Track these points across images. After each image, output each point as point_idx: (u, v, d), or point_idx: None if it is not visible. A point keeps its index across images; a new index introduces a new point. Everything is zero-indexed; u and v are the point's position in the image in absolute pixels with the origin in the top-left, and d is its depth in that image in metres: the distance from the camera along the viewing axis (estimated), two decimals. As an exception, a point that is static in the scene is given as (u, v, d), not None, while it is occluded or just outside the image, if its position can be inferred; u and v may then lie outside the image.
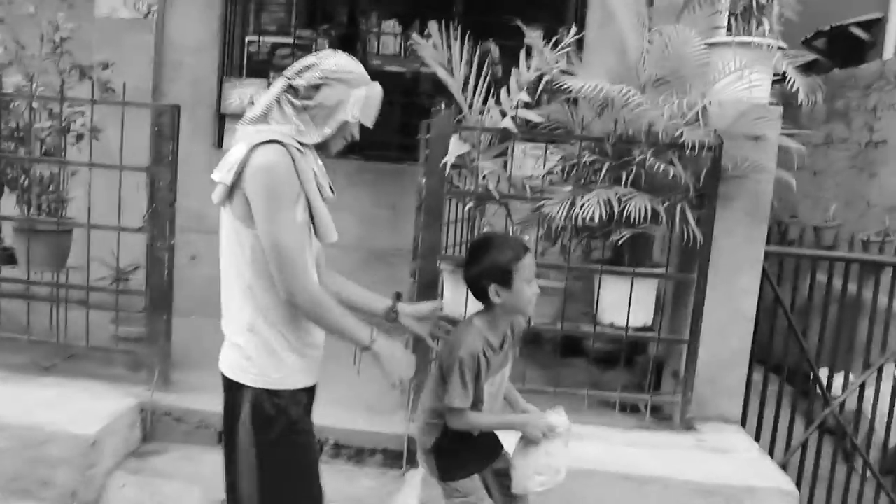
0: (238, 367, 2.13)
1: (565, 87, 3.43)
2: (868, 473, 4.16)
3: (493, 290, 2.33)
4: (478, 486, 2.48)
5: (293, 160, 2.02)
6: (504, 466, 2.54)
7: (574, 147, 3.65)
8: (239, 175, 2.02)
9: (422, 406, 2.54)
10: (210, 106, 5.27)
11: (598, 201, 3.38)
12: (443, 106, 3.59)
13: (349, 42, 5.67)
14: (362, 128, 2.23)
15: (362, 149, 5.49)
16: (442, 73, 3.68)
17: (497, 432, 2.59)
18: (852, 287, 4.03)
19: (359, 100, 2.13)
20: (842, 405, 4.09)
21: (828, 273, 3.92)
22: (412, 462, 3.54)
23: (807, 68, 8.00)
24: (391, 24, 5.37)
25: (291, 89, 2.09)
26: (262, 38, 5.36)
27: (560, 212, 3.48)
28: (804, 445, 4.05)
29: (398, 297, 2.53)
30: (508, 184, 3.72)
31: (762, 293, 3.83)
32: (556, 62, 3.59)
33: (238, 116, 5.54)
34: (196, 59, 5.20)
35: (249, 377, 2.11)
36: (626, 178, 3.48)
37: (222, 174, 2.08)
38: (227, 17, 5.25)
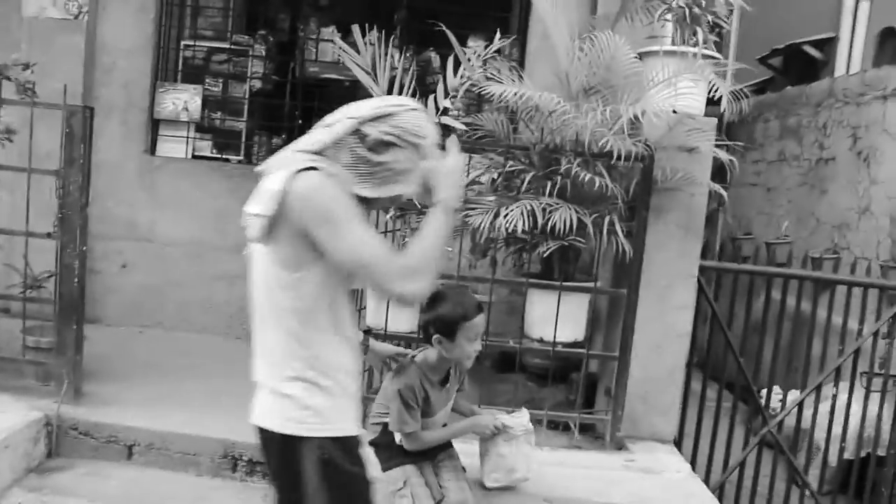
0: (293, 419, 1.87)
1: (488, 94, 3.32)
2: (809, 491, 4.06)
3: (436, 339, 2.57)
4: (409, 475, 2.68)
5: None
6: (450, 460, 2.82)
7: (502, 157, 3.54)
8: (281, 205, 1.77)
9: (373, 408, 2.78)
10: (143, 110, 5.11)
11: (522, 212, 3.27)
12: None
13: (287, 49, 5.54)
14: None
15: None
16: (364, 79, 3.56)
17: None
18: (805, 305, 3.95)
19: (423, 174, 1.89)
20: (780, 423, 4.00)
21: (782, 290, 3.83)
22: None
23: (763, 87, 8.06)
24: (330, 31, 5.26)
25: (359, 135, 1.83)
26: (197, 43, 5.21)
27: (484, 222, 3.36)
28: (743, 463, 3.94)
29: (368, 331, 2.76)
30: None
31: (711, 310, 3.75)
32: (483, 69, 3.48)
33: (171, 122, 5.57)
34: (129, 63, 5.04)
35: (310, 428, 1.86)
36: (552, 189, 3.37)
37: (261, 206, 1.80)
38: (161, 20, 5.10)
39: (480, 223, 3.36)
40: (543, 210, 3.30)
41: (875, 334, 3.89)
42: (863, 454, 4.25)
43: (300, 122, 5.30)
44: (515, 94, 3.22)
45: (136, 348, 4.82)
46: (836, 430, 4.01)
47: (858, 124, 5.67)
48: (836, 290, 3.91)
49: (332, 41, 5.07)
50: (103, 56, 5.02)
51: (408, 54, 5.01)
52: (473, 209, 3.41)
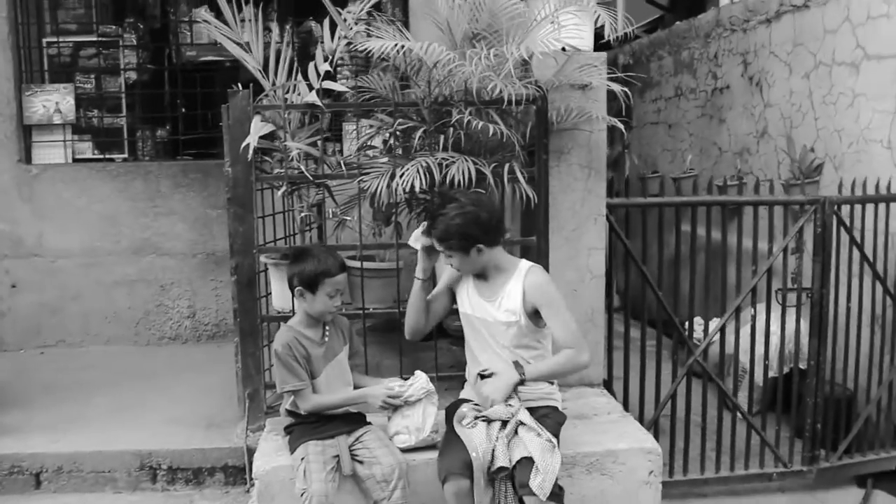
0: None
1: (371, 54, 3.15)
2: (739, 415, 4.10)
3: (298, 291, 2.77)
4: (308, 451, 2.74)
5: None
6: (371, 432, 2.88)
7: (392, 117, 3.39)
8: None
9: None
10: (10, 118, 4.75)
11: (418, 169, 3.13)
12: (239, 87, 3.25)
13: (159, 34, 5.22)
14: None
15: (186, 147, 5.11)
16: (237, 52, 3.36)
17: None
18: (716, 234, 3.95)
19: None
20: (706, 352, 4.01)
21: (691, 221, 3.81)
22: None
23: (653, 27, 8.12)
24: (202, 12, 4.95)
25: None
26: (62, 39, 4.85)
27: (380, 186, 3.21)
28: (675, 396, 3.94)
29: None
30: (325, 165, 3.42)
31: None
32: (366, 29, 3.31)
33: (45, 126, 5.18)
34: (-14, 68, 4.66)
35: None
36: (446, 143, 3.25)
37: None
38: (17, 17, 4.72)
39: (377, 187, 3.21)
40: (440, 165, 3.17)
41: (784, 250, 3.93)
42: (786, 370, 4.33)
43: (183, 110, 5.02)
44: (395, 46, 3.07)
45: (36, 371, 4.52)
46: (759, 350, 4.06)
47: (747, 50, 5.74)
48: (744, 214, 3.93)
49: (205, 21, 4.80)
50: (-45, 63, 4.63)
51: (287, 26, 4.78)
52: (367, 173, 3.26)
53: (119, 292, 4.87)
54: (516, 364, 2.79)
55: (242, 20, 3.55)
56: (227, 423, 3.58)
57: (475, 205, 2.78)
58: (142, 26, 5.06)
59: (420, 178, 3.09)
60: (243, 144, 3.15)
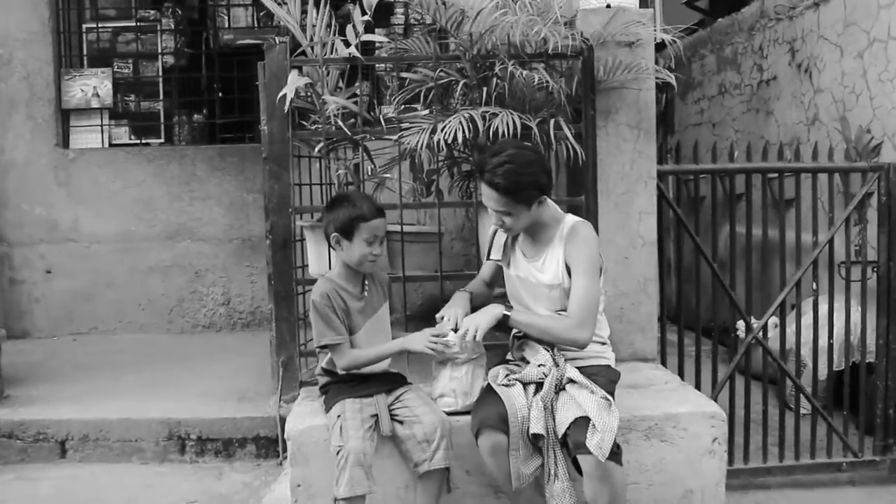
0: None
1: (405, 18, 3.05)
2: (803, 409, 3.83)
3: (334, 237, 2.59)
4: (345, 409, 2.56)
5: None
6: (413, 391, 2.71)
7: (432, 71, 3.27)
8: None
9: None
10: (49, 101, 4.75)
11: (460, 121, 2.99)
12: (276, 39, 3.17)
13: (197, 19, 5.21)
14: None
15: (223, 132, 5.06)
16: (274, 7, 3.27)
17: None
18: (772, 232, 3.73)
19: None
20: (764, 349, 3.75)
21: (746, 195, 3.59)
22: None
23: (693, 31, 7.98)
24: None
25: None
26: (101, 24, 4.86)
27: (421, 142, 3.07)
28: (733, 395, 3.68)
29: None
30: (362, 122, 3.29)
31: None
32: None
33: (83, 111, 5.19)
34: (27, 52, 4.68)
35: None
36: (488, 97, 3.11)
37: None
38: (58, 3, 4.75)
39: (417, 142, 3.07)
40: (483, 118, 3.03)
41: (846, 221, 3.70)
42: (852, 361, 4.05)
43: (220, 94, 4.98)
44: (434, -7, 2.95)
45: (68, 354, 4.43)
46: (822, 342, 3.80)
47: (794, 37, 5.56)
48: (801, 206, 3.69)
49: (253, 4, 4.77)
50: (-2, 49, 4.65)
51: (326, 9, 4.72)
52: (408, 129, 3.13)
53: (153, 279, 4.78)
54: (506, 304, 2.61)
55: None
56: (260, 397, 3.43)
57: (531, 150, 2.58)
58: (180, 11, 5.06)
59: (464, 130, 2.95)
60: (279, 94, 3.04)
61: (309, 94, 3.25)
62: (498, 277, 2.86)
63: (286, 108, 3.08)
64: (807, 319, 3.82)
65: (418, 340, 2.59)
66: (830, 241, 3.69)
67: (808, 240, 3.70)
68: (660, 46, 3.56)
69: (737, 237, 3.72)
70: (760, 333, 3.73)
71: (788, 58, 5.64)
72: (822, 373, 4.01)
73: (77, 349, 4.54)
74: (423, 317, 3.52)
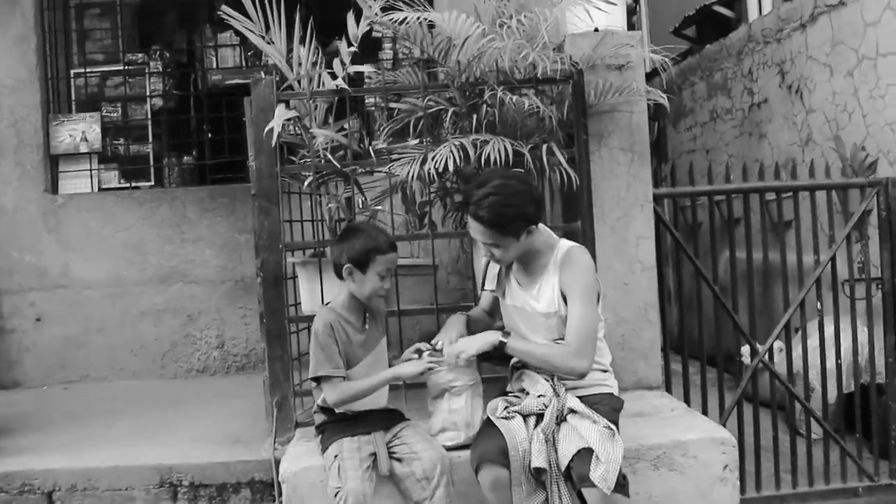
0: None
1: (391, 21, 3.01)
2: (814, 435, 3.71)
3: (347, 269, 2.51)
4: (342, 449, 2.48)
5: None
6: (411, 428, 2.62)
7: (420, 103, 3.23)
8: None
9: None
10: (37, 147, 4.72)
11: (451, 150, 2.94)
12: (262, 74, 3.14)
13: (185, 61, 5.21)
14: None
15: (213, 173, 5.01)
16: (260, 43, 3.25)
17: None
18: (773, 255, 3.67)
19: None
20: (772, 374, 3.65)
21: (744, 215, 3.53)
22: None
23: (681, 59, 8.03)
24: (228, 36, 4.95)
25: None
26: (89, 69, 4.85)
27: (412, 172, 3.02)
28: (742, 422, 3.57)
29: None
30: (351, 154, 3.24)
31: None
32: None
33: (72, 156, 5.13)
34: (15, 99, 4.67)
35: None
36: (479, 123, 3.07)
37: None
38: (45, 49, 4.74)
39: (408, 173, 3.02)
40: (474, 145, 2.98)
41: (847, 238, 3.64)
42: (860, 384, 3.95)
43: (209, 135, 4.95)
44: (419, 19, 2.93)
45: (58, 402, 4.32)
46: (829, 364, 3.71)
47: (783, 59, 5.57)
48: (801, 227, 3.63)
49: (241, 45, 4.77)
50: (-15, 95, 4.63)
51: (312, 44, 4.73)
52: (398, 160, 3.08)
53: (145, 323, 4.70)
54: (503, 331, 2.54)
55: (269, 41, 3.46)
56: (255, 440, 3.32)
57: (519, 179, 2.51)
58: (168, 54, 5.06)
59: (455, 158, 2.90)
60: (266, 128, 3.00)
61: (297, 127, 3.21)
62: (497, 307, 2.78)
63: (273, 142, 3.04)
64: (813, 342, 3.74)
65: (410, 365, 2.53)
66: (832, 260, 3.63)
67: (809, 261, 3.63)
68: (650, 76, 3.54)
69: (737, 262, 3.66)
70: (766, 357, 3.64)
71: (778, 80, 5.64)
72: (831, 395, 3.91)
73: (68, 398, 4.43)
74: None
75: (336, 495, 2.41)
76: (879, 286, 3.66)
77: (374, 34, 4.13)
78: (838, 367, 3.69)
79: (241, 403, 3.91)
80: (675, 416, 2.99)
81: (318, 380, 2.52)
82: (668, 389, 3.53)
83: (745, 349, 3.70)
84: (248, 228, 4.72)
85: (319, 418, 2.64)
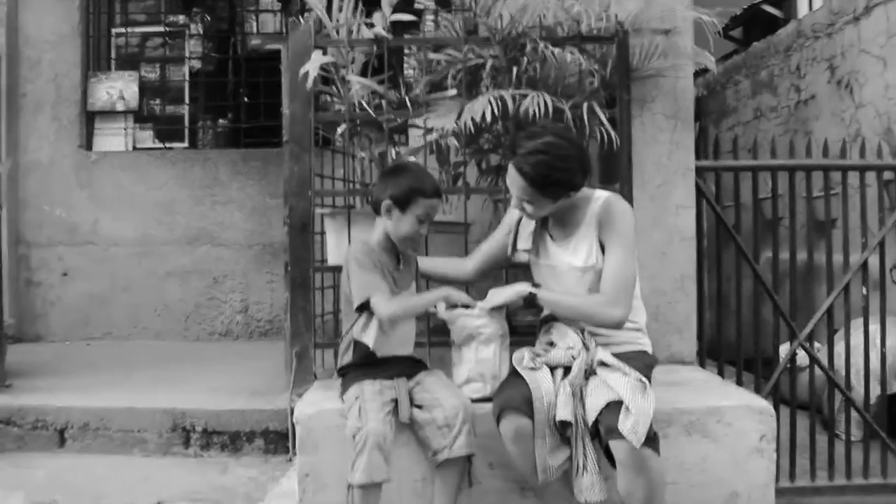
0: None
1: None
2: (852, 436, 3.54)
3: (386, 205, 2.39)
4: (363, 391, 2.36)
5: None
6: (433, 375, 2.52)
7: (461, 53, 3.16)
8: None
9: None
10: (75, 103, 4.73)
11: (490, 100, 2.86)
12: (300, 19, 3.08)
13: (225, 25, 5.21)
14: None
15: (247, 137, 4.99)
16: (329, 25, 3.20)
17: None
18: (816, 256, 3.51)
19: None
20: (812, 375, 3.49)
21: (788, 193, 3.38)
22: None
23: (728, 57, 7.88)
24: (269, 1, 4.94)
25: None
26: (130, 29, 4.87)
27: (448, 123, 2.94)
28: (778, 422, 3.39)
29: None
30: (387, 105, 3.17)
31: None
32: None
33: (108, 114, 5.16)
34: (56, 55, 4.69)
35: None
36: (518, 77, 2.97)
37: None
38: (89, 7, 4.77)
39: (444, 124, 2.94)
40: (513, 98, 2.89)
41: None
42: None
43: (246, 99, 4.93)
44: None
45: (80, 355, 4.30)
46: (873, 364, 3.52)
47: (834, 54, 5.41)
48: (848, 217, 3.47)
49: (275, 11, 4.75)
50: (28, 50, 4.67)
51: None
52: (434, 111, 3.00)
53: (171, 284, 4.67)
54: (535, 284, 2.42)
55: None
56: (273, 392, 3.25)
57: (572, 142, 2.36)
58: (209, 17, 5.06)
59: (494, 108, 2.81)
60: (301, 71, 2.94)
61: (332, 78, 3.14)
62: (487, 272, 2.70)
63: (308, 85, 2.98)
64: (856, 338, 3.58)
65: (458, 293, 2.45)
66: (881, 243, 3.47)
67: (855, 259, 3.47)
68: (695, 75, 3.40)
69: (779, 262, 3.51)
70: (805, 341, 3.47)
71: (827, 75, 5.48)
72: (873, 395, 3.73)
73: (90, 352, 4.41)
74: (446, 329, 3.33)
75: (355, 436, 2.31)
76: (929, 275, 3.49)
77: (417, 4, 4.07)
78: (883, 354, 3.51)
79: (262, 364, 3.86)
80: (709, 387, 2.85)
81: (362, 307, 2.38)
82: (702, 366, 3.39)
83: (785, 346, 3.55)
84: (278, 193, 4.67)
85: (346, 358, 2.52)
